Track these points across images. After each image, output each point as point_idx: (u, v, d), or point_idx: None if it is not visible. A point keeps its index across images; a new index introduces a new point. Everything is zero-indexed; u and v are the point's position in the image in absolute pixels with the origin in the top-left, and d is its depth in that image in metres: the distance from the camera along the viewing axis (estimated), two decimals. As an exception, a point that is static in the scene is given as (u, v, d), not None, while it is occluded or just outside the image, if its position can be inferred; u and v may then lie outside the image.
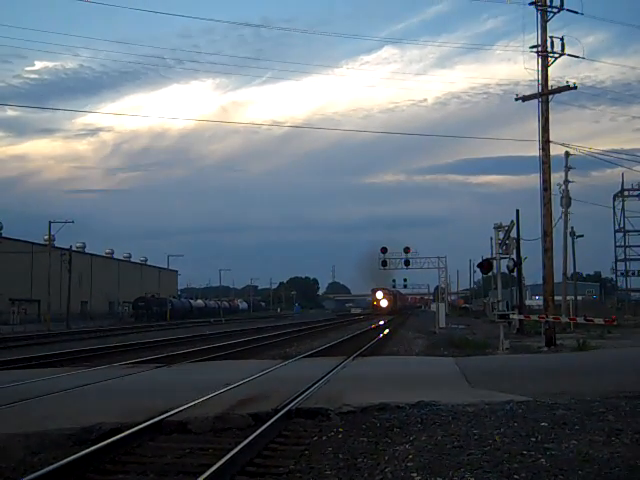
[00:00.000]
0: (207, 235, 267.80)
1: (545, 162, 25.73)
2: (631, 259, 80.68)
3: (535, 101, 26.07)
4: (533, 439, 8.04)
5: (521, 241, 37.76)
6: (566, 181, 44.68)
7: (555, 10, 25.96)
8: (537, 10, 25.96)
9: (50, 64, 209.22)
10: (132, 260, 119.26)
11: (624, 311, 61.11)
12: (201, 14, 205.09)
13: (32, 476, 6.24)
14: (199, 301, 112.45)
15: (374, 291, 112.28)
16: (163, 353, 24.23)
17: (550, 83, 25.89)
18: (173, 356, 22.47)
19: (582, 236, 55.04)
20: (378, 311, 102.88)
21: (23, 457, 7.56)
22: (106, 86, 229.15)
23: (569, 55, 26.22)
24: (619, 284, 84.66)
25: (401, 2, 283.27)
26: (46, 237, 71.25)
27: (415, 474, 6.63)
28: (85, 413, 9.56)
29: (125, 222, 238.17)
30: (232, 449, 7.32)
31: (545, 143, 25.56)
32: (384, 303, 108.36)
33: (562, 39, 25.88)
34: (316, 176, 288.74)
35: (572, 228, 49.99)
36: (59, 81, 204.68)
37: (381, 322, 61.45)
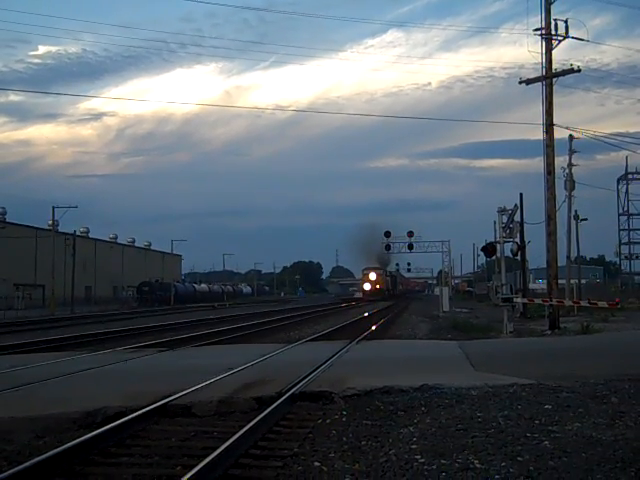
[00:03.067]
0: (211, 219, 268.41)
1: (549, 145, 25.65)
2: (635, 242, 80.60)
3: (539, 84, 25.95)
4: (537, 422, 8.05)
5: (525, 225, 37.75)
6: (570, 164, 44.61)
7: (559, -8, 25.82)
8: (541, -8, 25.80)
9: (53, 49, 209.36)
10: (136, 245, 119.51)
11: (628, 294, 61.03)
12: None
13: (37, 459, 6.26)
14: (203, 285, 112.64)
15: (366, 272, 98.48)
16: (167, 337, 24.27)
17: (555, 66, 25.77)
18: (177, 340, 22.51)
19: (586, 219, 54.91)
20: (370, 296, 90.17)
21: (28, 441, 7.58)
22: (109, 71, 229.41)
23: (573, 38, 26.08)
24: (623, 267, 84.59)
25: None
26: (50, 222, 71.38)
27: (419, 456, 6.64)
28: (89, 397, 9.58)
29: (129, 207, 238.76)
30: (236, 432, 7.33)
31: (549, 126, 25.47)
32: (378, 286, 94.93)
33: (566, 22, 25.74)
34: (320, 160, 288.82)
35: (576, 211, 49.84)
36: (62, 66, 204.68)
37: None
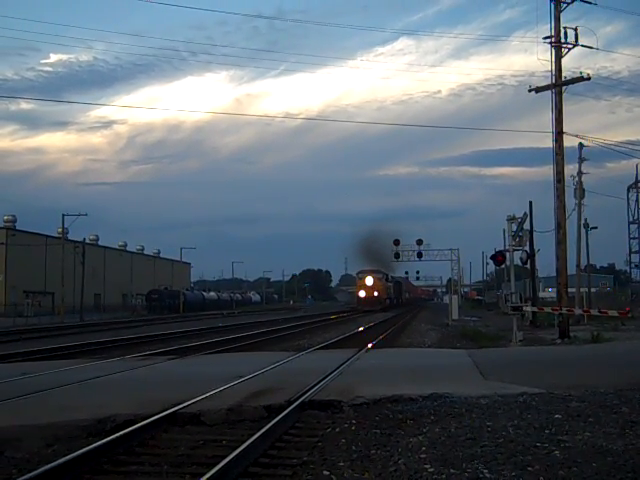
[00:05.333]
0: (220, 227, 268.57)
1: (558, 154, 25.61)
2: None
3: (549, 92, 25.93)
4: (547, 431, 8.02)
5: (534, 233, 37.71)
6: (579, 172, 44.48)
7: (569, 1, 25.82)
8: (550, 0, 25.83)
9: (64, 57, 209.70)
10: (145, 252, 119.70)
11: (638, 303, 60.75)
12: (214, 6, 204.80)
13: (47, 467, 6.27)
14: (212, 293, 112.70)
15: (361, 275, 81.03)
16: (176, 345, 24.32)
17: (565, 74, 25.79)
18: (186, 348, 22.56)
19: (596, 228, 54.80)
20: (367, 305, 75.01)
21: (37, 449, 7.60)
22: (120, 79, 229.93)
23: (582, 46, 26.13)
24: (633, 276, 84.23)
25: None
26: (60, 230, 71.63)
27: (428, 466, 6.62)
28: (99, 405, 9.60)
29: (138, 214, 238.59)
30: (246, 441, 7.33)
31: (558, 135, 25.44)
32: (376, 293, 77.97)
33: (576, 30, 25.76)
34: (330, 168, 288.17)
35: (586, 220, 49.75)
36: (73, 74, 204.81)
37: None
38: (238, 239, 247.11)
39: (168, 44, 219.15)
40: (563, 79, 25.62)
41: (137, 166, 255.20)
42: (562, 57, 25.72)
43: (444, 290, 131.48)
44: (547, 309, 29.72)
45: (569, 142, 27.79)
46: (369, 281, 78.53)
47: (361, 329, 35.15)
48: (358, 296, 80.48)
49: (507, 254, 27.61)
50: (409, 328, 39.22)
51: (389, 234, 79.57)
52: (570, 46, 25.68)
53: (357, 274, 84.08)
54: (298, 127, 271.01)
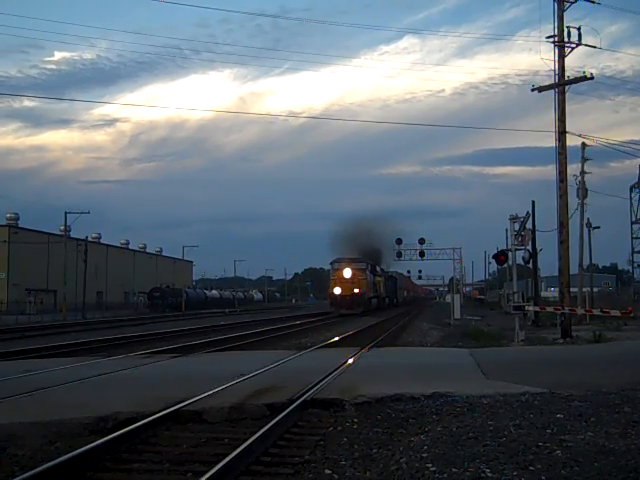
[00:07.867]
0: (223, 225, 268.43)
1: (561, 153, 25.57)
2: (647, 251, 80.00)
3: (552, 91, 25.90)
4: (549, 431, 8.02)
5: (537, 232, 37.62)
6: (582, 172, 44.43)
7: (572, 0, 25.76)
8: (554, -1, 25.79)
9: (67, 55, 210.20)
10: (147, 251, 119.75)
11: (640, 303, 60.68)
12: (217, 4, 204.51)
13: (49, 464, 6.29)
14: (214, 292, 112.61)
15: (337, 266, 60.05)
16: (178, 343, 24.30)
17: (569, 73, 25.72)
18: (188, 346, 22.54)
19: (598, 227, 54.77)
20: (343, 307, 56.31)
21: (40, 446, 7.60)
22: (123, 76, 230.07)
23: (586, 45, 26.04)
24: (636, 276, 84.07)
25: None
26: (62, 227, 71.65)
27: (430, 465, 6.62)
28: (101, 402, 9.61)
29: (141, 212, 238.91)
30: (248, 439, 7.33)
31: (561, 134, 25.39)
32: (357, 289, 57.72)
33: (579, 29, 25.70)
34: (332, 167, 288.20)
35: (588, 219, 49.77)
36: (76, 72, 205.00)
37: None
38: (241, 237, 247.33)
39: (171, 42, 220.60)
40: (566, 78, 25.56)
41: (140, 164, 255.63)
42: (565, 56, 25.66)
43: (446, 289, 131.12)
44: (549, 309, 29.67)
45: (572, 141, 27.80)
46: (347, 273, 58.58)
47: (363, 328, 35.10)
48: (331, 294, 59.72)
49: (509, 253, 27.58)
50: (411, 327, 39.19)
51: (383, 228, 78.36)
52: (573, 45, 25.63)
53: (331, 264, 61.95)
54: (301, 125, 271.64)
